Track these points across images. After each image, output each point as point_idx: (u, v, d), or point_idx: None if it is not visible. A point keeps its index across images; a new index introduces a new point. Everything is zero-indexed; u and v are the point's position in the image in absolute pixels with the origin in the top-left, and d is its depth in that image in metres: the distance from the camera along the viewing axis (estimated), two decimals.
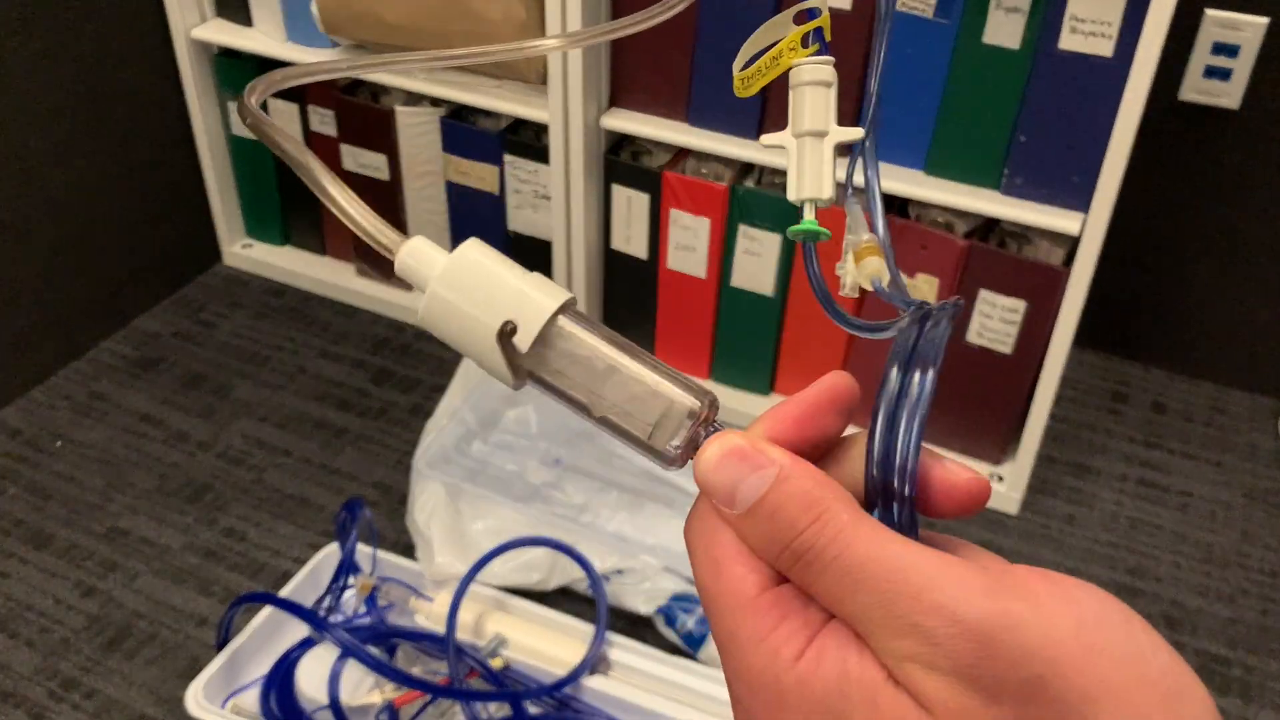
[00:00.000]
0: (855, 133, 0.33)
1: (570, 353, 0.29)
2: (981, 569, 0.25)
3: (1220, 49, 1.28)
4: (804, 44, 0.33)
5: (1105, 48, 1.06)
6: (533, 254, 1.45)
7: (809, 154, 0.33)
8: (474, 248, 0.29)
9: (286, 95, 1.52)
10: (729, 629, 0.26)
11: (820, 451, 0.29)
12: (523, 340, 0.28)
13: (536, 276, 0.29)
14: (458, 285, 0.29)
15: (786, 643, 0.25)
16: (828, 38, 0.33)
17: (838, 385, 0.29)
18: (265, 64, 1.50)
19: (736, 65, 0.33)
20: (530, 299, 0.28)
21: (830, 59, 0.33)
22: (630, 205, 1.35)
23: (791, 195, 0.34)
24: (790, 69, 0.33)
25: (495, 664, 1.03)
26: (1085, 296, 1.15)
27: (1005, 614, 0.24)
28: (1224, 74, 1.30)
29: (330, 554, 1.13)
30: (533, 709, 1.01)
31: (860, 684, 0.25)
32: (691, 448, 0.29)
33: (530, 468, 1.28)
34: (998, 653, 0.23)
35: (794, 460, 0.27)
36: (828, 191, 0.33)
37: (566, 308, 0.29)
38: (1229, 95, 1.31)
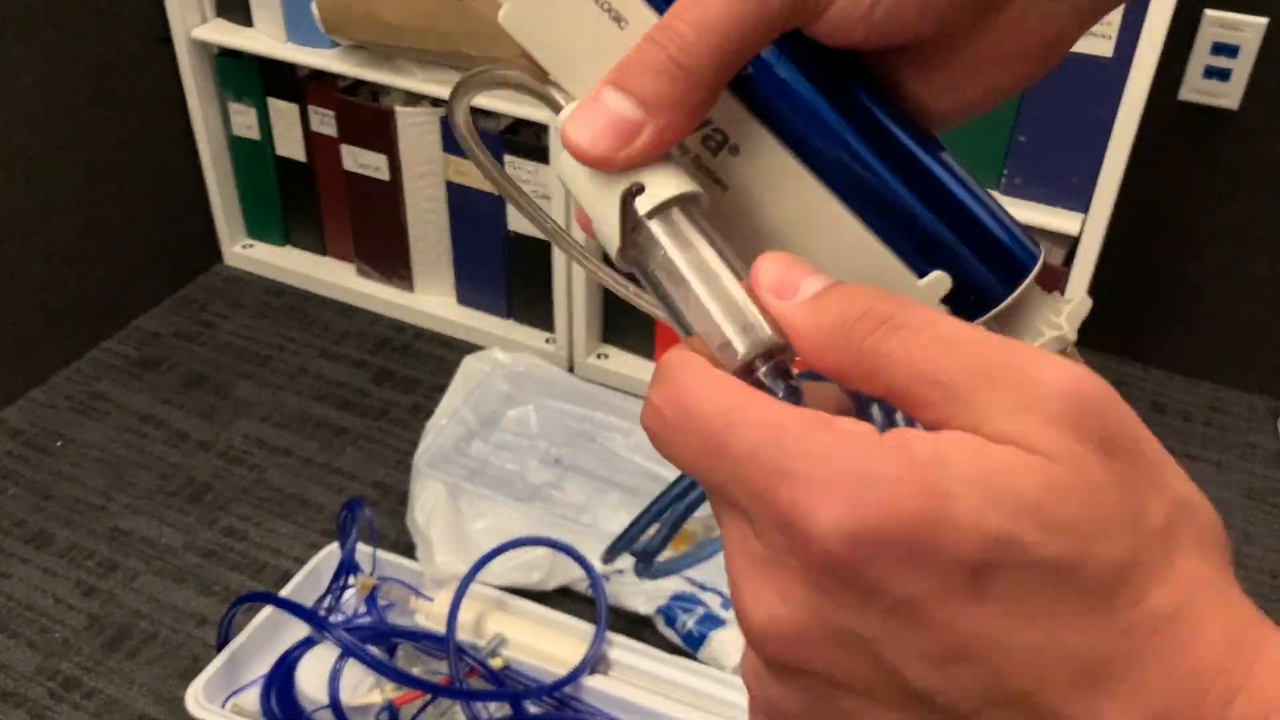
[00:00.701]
0: None
1: (675, 241, 0.27)
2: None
3: (1220, 49, 1.29)
4: None
5: (1105, 48, 1.06)
6: (533, 254, 1.46)
7: None
8: None
9: (287, 96, 1.52)
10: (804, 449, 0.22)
11: None
12: (646, 203, 0.26)
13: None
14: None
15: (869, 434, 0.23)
16: None
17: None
18: (266, 64, 1.51)
19: None
20: (664, 175, 0.27)
21: None
22: None
23: None
24: None
25: (495, 664, 1.03)
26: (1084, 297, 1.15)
27: (1103, 383, 0.23)
28: (1223, 74, 1.30)
29: (330, 554, 1.13)
30: (533, 709, 1.01)
31: (957, 445, 0.22)
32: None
33: (530, 467, 1.28)
34: (1108, 410, 0.23)
35: None
36: None
37: (696, 200, 0.27)
38: (1229, 95, 1.31)
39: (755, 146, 0.27)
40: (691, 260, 0.26)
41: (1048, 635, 0.22)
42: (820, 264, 0.26)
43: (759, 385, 0.25)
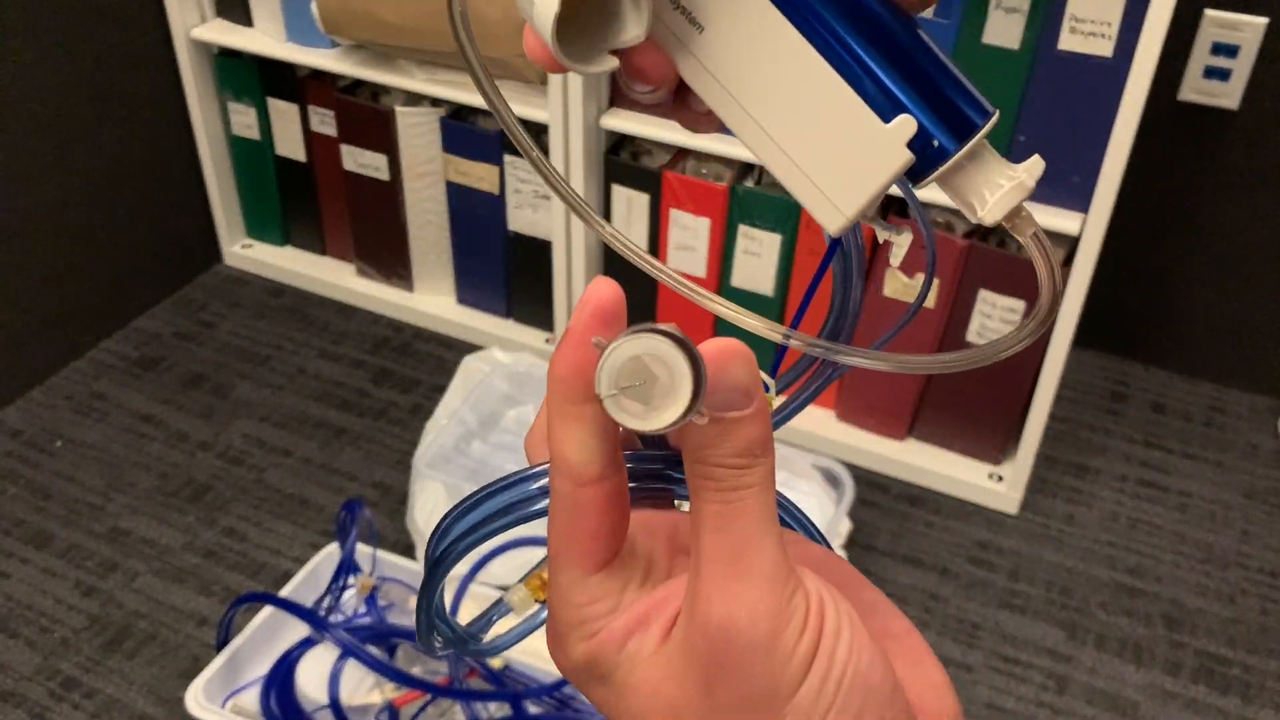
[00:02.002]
0: None
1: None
2: (786, 592, 0.27)
3: (1219, 49, 1.29)
4: None
5: (1105, 48, 1.06)
6: (533, 254, 1.46)
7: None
8: None
9: (287, 95, 1.52)
10: (558, 582, 0.30)
11: None
12: None
13: None
14: None
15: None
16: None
17: (602, 299, 0.28)
18: (265, 64, 1.51)
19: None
20: None
21: None
22: (630, 205, 1.35)
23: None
24: None
25: (495, 664, 1.03)
26: (1085, 296, 1.15)
27: (769, 636, 0.26)
28: (1223, 74, 1.30)
29: (330, 554, 1.13)
30: (532, 708, 1.01)
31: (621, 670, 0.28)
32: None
33: None
34: (732, 653, 0.26)
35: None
36: None
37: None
38: (1228, 95, 1.31)
39: None
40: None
41: None
42: (792, 107, 0.28)
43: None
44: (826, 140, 0.28)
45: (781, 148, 0.29)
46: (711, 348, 0.25)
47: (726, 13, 0.28)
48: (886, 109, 0.28)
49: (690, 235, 1.32)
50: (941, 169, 0.28)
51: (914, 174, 0.28)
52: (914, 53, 0.28)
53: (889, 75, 0.28)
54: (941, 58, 0.28)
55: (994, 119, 0.29)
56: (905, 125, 0.28)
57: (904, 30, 0.28)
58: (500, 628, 0.36)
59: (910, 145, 0.28)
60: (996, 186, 0.28)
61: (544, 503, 0.30)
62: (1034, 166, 0.29)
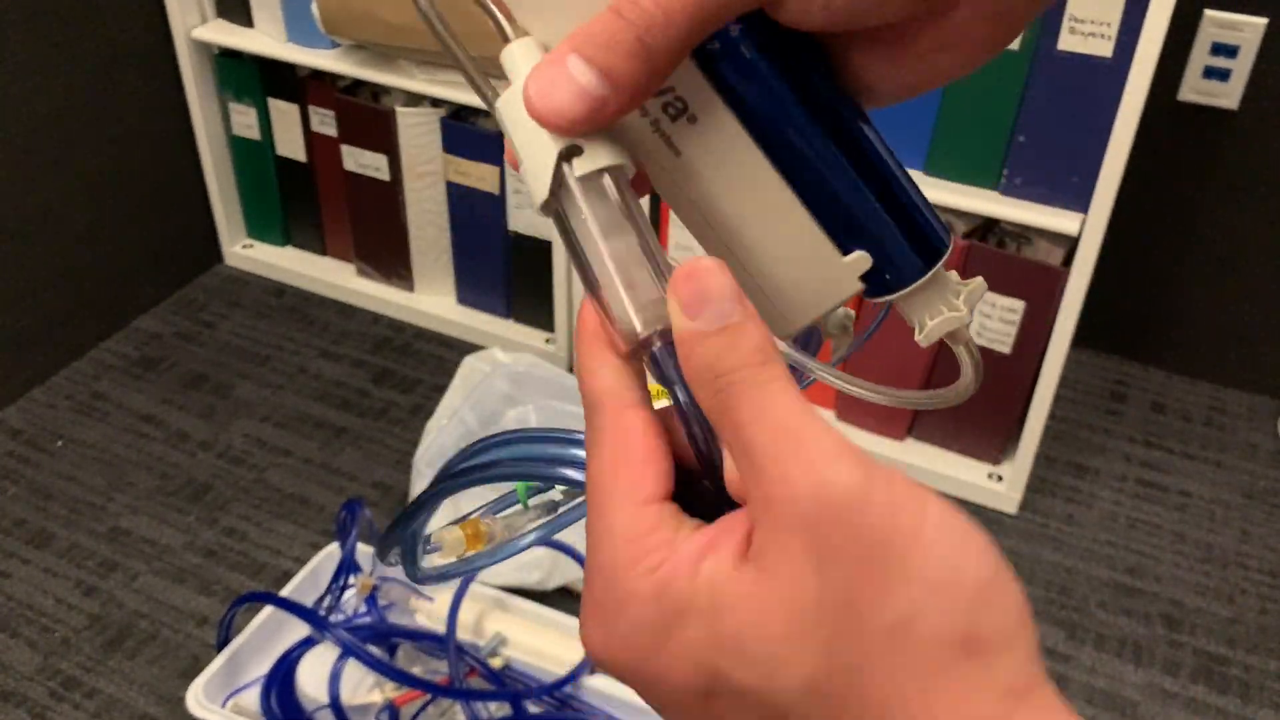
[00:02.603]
0: None
1: (598, 208, 0.28)
2: (858, 453, 0.25)
3: (1219, 49, 1.29)
4: None
5: (1104, 48, 1.06)
6: (533, 254, 1.46)
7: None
8: None
9: (287, 96, 1.52)
10: (609, 523, 0.27)
11: None
12: (581, 166, 0.28)
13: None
14: None
15: (651, 554, 0.26)
16: None
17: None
18: (266, 64, 1.51)
19: None
20: (602, 142, 0.28)
21: None
22: None
23: None
24: None
25: (495, 663, 1.03)
26: (1084, 296, 1.15)
27: (855, 483, 0.24)
28: (1223, 74, 1.30)
29: (331, 553, 1.13)
30: (533, 708, 1.01)
31: (704, 577, 0.25)
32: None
33: None
34: (845, 516, 0.24)
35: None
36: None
37: (623, 171, 0.29)
38: (1228, 96, 1.31)
39: (711, 118, 0.29)
40: (608, 228, 0.28)
41: None
42: (759, 231, 0.29)
43: (652, 361, 0.28)
44: (786, 263, 0.30)
45: (743, 263, 0.30)
46: (684, 269, 0.26)
47: (704, 143, 0.29)
48: (846, 240, 0.29)
49: (690, 235, 1.32)
50: (895, 294, 0.30)
51: (871, 292, 0.30)
52: (885, 181, 0.29)
53: (855, 206, 0.29)
54: (905, 180, 0.30)
55: (948, 251, 0.30)
56: (861, 261, 0.29)
57: (876, 155, 0.29)
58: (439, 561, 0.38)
59: (867, 276, 0.30)
60: (937, 313, 0.30)
61: (576, 471, 0.31)
62: (973, 295, 0.30)
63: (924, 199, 0.30)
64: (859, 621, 0.23)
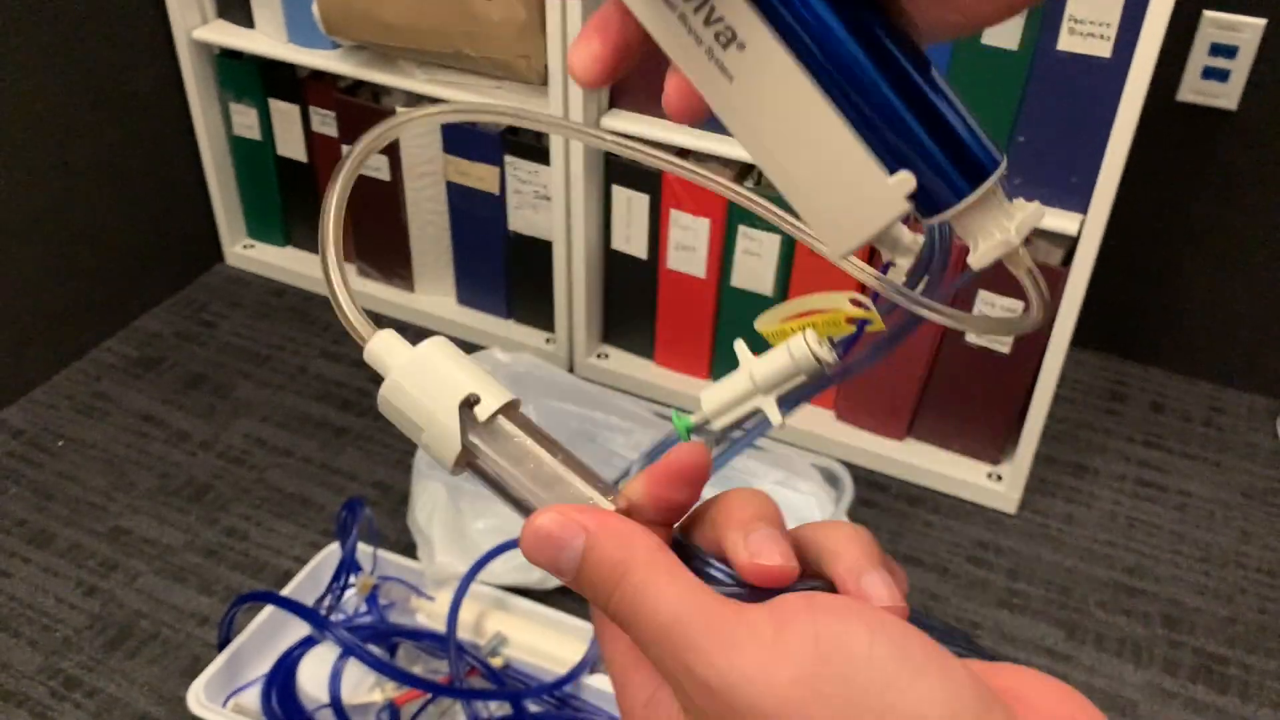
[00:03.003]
0: (775, 419, 0.38)
1: (510, 445, 0.32)
2: (749, 624, 0.26)
3: (1218, 50, 1.29)
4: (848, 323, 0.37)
5: (1104, 48, 1.06)
6: (533, 254, 1.46)
7: (742, 399, 0.39)
8: (438, 346, 0.33)
9: (288, 96, 1.53)
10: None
11: (685, 511, 0.32)
12: (483, 411, 0.31)
13: (489, 377, 0.33)
14: (421, 371, 0.33)
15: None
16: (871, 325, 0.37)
17: (682, 459, 0.31)
18: (267, 65, 1.51)
19: (772, 318, 0.38)
20: (491, 386, 0.32)
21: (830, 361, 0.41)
22: (630, 206, 1.35)
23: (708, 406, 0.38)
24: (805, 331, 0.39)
25: (496, 663, 1.04)
26: (1083, 296, 1.15)
27: (735, 672, 0.26)
28: (1222, 75, 1.30)
29: (331, 553, 1.13)
30: (533, 707, 1.01)
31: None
32: None
33: None
34: (732, 705, 0.25)
35: (601, 524, 0.29)
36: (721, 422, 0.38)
37: (515, 406, 0.32)
38: (1227, 96, 1.31)
39: (759, 44, 0.30)
40: (526, 454, 0.32)
41: None
42: (807, 154, 0.31)
43: None
44: (833, 185, 0.31)
45: (796, 185, 0.31)
46: (525, 542, 0.30)
47: (752, 68, 0.30)
48: (891, 162, 0.30)
49: (690, 235, 1.32)
50: (943, 215, 0.31)
51: (923, 212, 0.31)
52: (927, 102, 0.30)
53: (898, 129, 0.30)
54: (954, 101, 0.31)
55: (998, 172, 0.31)
56: (905, 182, 0.30)
57: (921, 79, 0.30)
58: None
59: (914, 196, 0.30)
60: (989, 236, 0.31)
61: None
62: (1027, 222, 0.31)
63: (971, 119, 0.31)
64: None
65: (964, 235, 0.32)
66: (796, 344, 0.40)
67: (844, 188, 0.31)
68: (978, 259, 0.32)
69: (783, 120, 0.31)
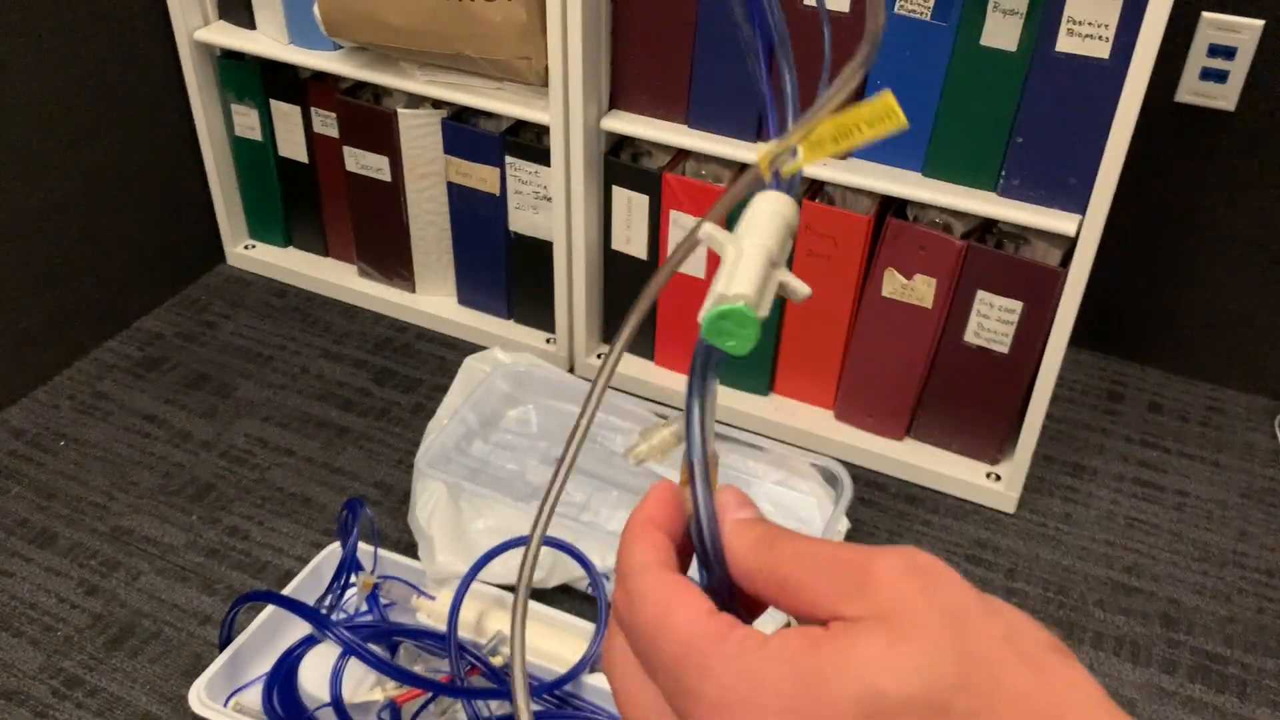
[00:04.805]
0: (802, 289, 0.35)
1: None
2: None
3: (1217, 51, 1.29)
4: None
5: (1102, 50, 1.07)
6: (533, 255, 1.46)
7: (754, 261, 0.36)
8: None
9: (289, 97, 1.53)
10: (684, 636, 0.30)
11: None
12: None
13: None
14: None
15: None
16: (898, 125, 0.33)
17: (663, 497, 0.34)
18: (268, 66, 1.51)
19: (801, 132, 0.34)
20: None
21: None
22: (630, 206, 1.36)
23: (724, 288, 0.34)
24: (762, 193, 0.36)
25: (496, 661, 1.04)
26: (1082, 297, 1.16)
27: (926, 555, 0.29)
28: (1220, 76, 1.30)
29: (332, 553, 1.14)
30: (534, 706, 1.02)
31: (824, 644, 0.28)
32: None
33: (531, 467, 1.29)
34: (933, 570, 0.28)
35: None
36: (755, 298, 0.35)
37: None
38: (1225, 97, 1.32)
39: None
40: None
41: None
42: None
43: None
44: None
45: None
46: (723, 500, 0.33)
47: None
48: None
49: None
50: None
51: None
52: None
53: None
54: None
55: None
56: None
57: None
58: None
59: None
60: None
61: None
62: None
63: None
64: (980, 632, 0.27)
65: None
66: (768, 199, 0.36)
67: None
68: None
69: None
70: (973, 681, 0.26)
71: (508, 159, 1.41)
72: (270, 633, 1.06)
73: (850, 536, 1.26)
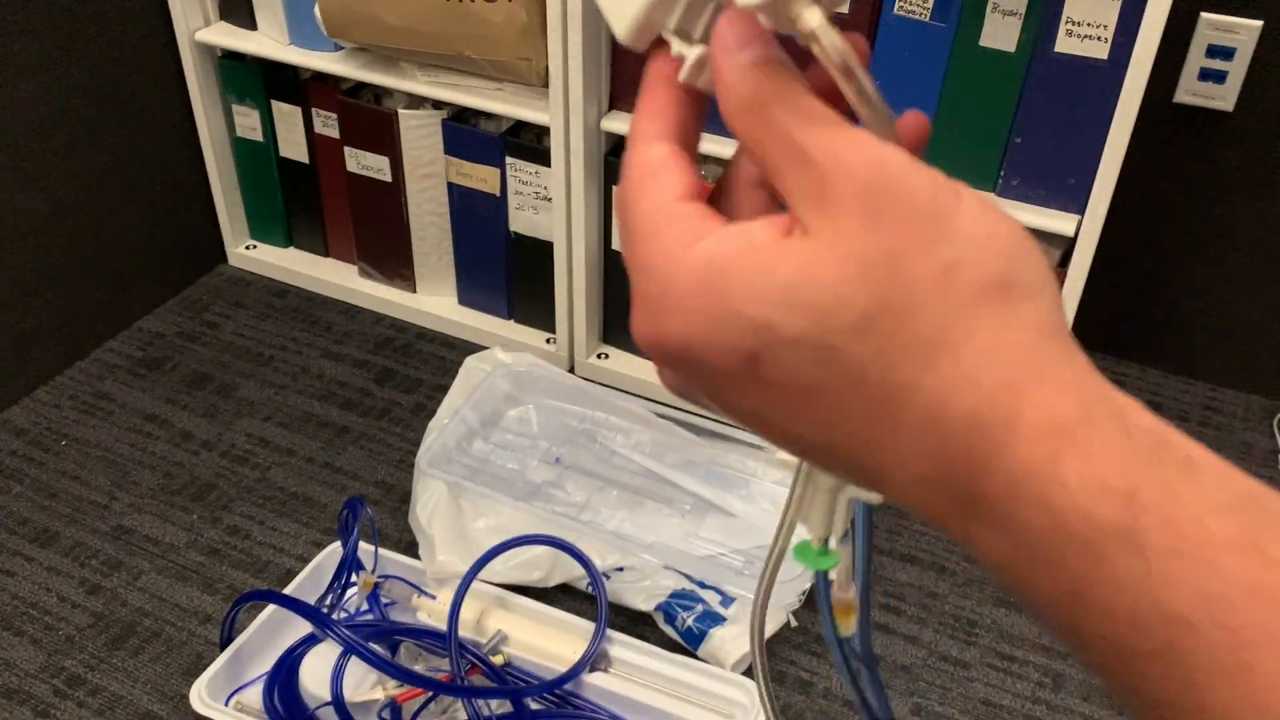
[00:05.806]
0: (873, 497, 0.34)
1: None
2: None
3: (1215, 51, 1.29)
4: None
5: (1101, 50, 1.07)
6: (534, 255, 1.47)
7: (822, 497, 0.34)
8: None
9: (289, 98, 1.53)
10: (647, 214, 0.30)
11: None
12: None
13: None
14: None
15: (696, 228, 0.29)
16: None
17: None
18: (269, 67, 1.52)
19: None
20: None
21: None
22: None
23: (798, 523, 0.34)
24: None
25: (496, 661, 1.04)
26: (1080, 297, 1.16)
27: (904, 158, 0.27)
28: (1219, 76, 1.31)
29: (333, 552, 1.14)
30: (534, 705, 1.02)
31: (738, 242, 0.27)
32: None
33: (531, 466, 1.29)
34: (895, 182, 0.26)
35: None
36: (838, 533, 0.34)
37: None
38: (1224, 98, 1.32)
39: None
40: None
41: (819, 407, 0.26)
42: None
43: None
44: None
45: None
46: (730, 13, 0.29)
47: None
48: None
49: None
50: None
51: None
52: None
53: None
54: None
55: None
56: None
57: None
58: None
59: None
60: None
61: None
62: None
63: None
64: (908, 269, 0.25)
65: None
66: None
67: None
68: None
69: None
70: (874, 325, 0.25)
71: (508, 159, 1.41)
72: (271, 632, 1.06)
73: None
